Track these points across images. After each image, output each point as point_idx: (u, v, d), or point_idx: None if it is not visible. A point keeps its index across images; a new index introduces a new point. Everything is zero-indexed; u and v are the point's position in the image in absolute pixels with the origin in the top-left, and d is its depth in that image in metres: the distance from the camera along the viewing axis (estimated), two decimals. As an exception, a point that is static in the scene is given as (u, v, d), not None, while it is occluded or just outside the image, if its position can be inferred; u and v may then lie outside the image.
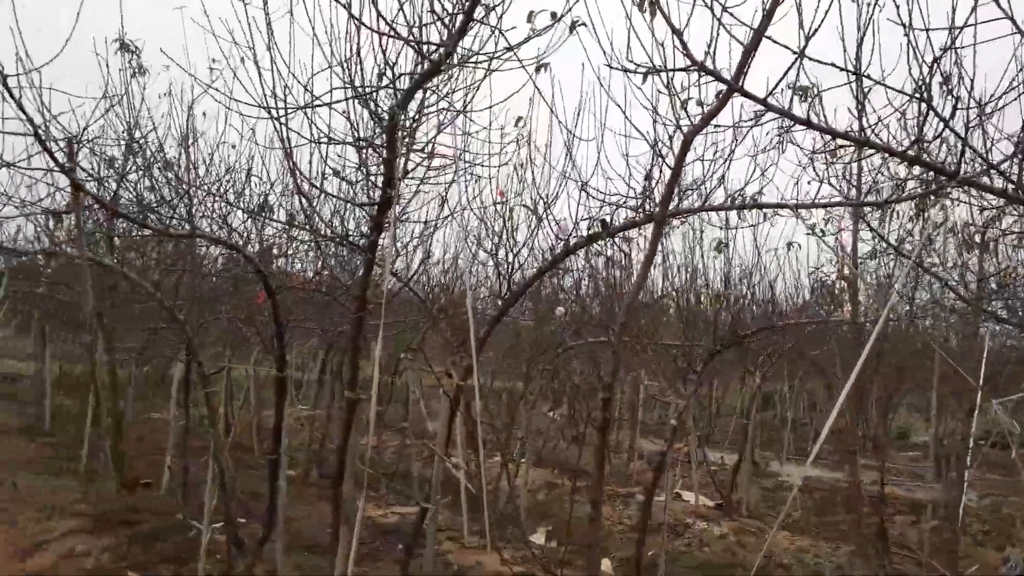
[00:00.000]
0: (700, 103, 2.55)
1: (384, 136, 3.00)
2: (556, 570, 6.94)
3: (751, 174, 3.53)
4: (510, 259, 4.37)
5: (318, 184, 3.54)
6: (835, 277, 5.01)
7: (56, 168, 2.91)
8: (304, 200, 3.64)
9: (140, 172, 3.58)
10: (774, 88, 2.41)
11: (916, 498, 12.58)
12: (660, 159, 2.93)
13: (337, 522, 4.33)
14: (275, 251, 5.07)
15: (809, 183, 4.28)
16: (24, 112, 2.73)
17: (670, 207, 2.82)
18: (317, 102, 2.87)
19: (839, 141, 2.57)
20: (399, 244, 4.03)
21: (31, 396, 14.38)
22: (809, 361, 12.63)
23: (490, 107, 2.88)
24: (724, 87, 2.64)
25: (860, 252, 4.84)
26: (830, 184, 3.98)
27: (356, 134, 3.12)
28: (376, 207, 3.57)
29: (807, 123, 2.45)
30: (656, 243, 2.82)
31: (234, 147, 4.38)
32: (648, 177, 2.97)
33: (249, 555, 5.74)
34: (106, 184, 3.45)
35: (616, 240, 4.23)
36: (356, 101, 3.02)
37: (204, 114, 4.87)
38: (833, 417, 2.55)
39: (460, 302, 5.76)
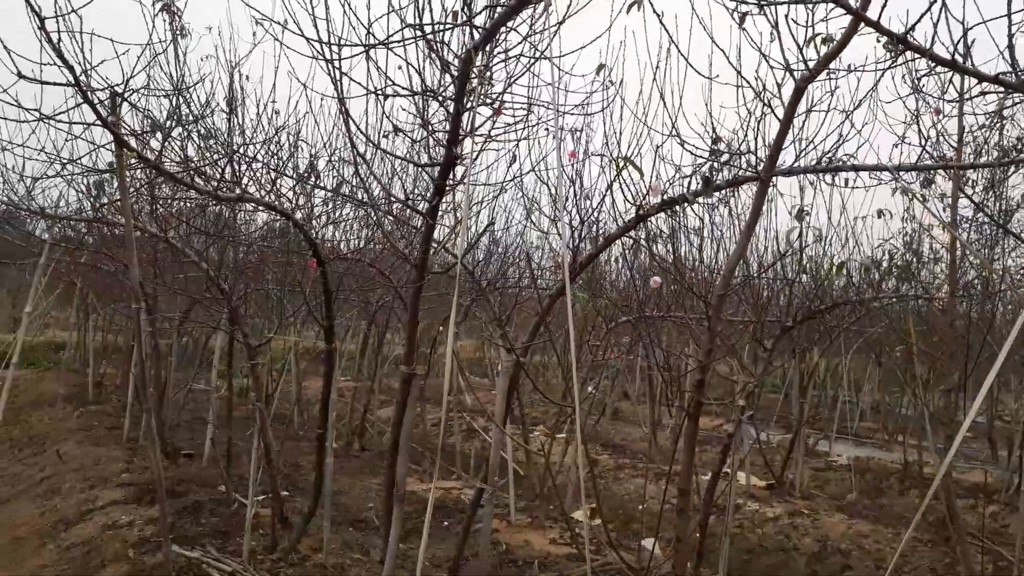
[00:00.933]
0: (828, 39, 2.22)
1: (455, 86, 2.72)
2: (606, 552, 6.71)
3: (847, 132, 3.20)
4: (577, 226, 4.08)
5: (374, 141, 3.27)
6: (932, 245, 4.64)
7: (98, 122, 2.68)
8: (359, 158, 3.37)
9: (186, 131, 3.35)
10: (916, 23, 2.08)
11: (972, 480, 12.12)
12: (769, 109, 2.61)
13: (390, 499, 4.11)
14: (324, 218, 4.84)
15: (896, 146, 3.91)
16: (63, 59, 2.49)
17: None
18: (377, 43, 2.58)
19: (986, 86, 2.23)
20: (459, 210, 3.75)
21: (74, 365, 14.49)
22: (859, 338, 12.21)
23: (581, 48, 2.56)
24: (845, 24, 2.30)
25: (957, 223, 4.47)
26: (925, 148, 3.63)
27: (422, 84, 2.84)
28: (439, 168, 3.28)
29: (952, 64, 2.11)
30: (760, 204, 2.51)
31: (277, 112, 4.12)
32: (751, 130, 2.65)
33: (295, 531, 5.57)
34: (148, 143, 3.24)
35: (695, 206, 3.90)
36: (421, 46, 2.73)
37: (248, 77, 4.64)
38: (974, 411, 2.24)
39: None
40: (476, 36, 2.49)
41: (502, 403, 4.19)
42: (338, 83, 2.92)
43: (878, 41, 2.12)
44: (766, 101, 2.59)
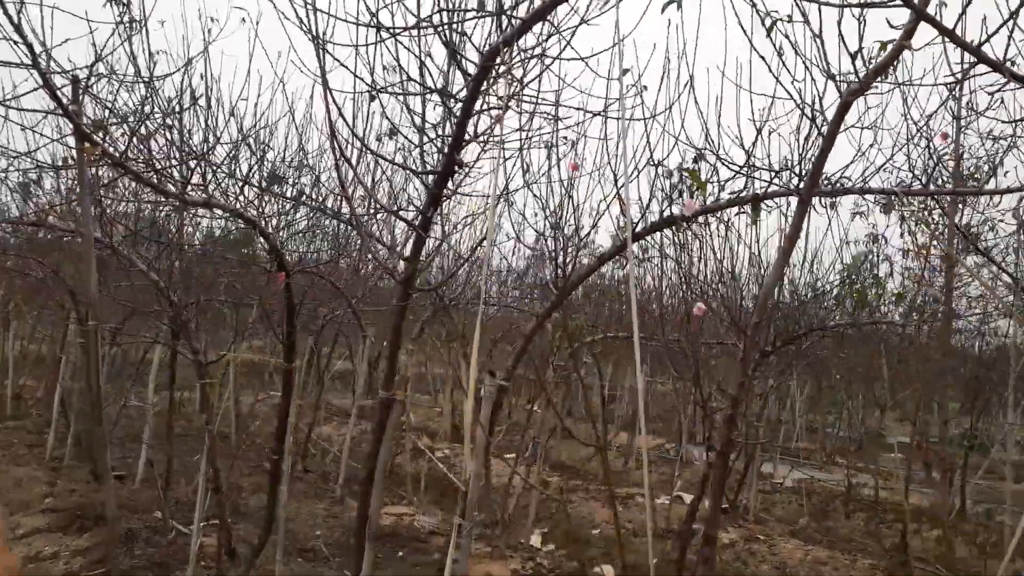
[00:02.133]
0: (883, 46, 2.04)
1: (468, 84, 2.45)
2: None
3: (855, 153, 3.05)
4: (568, 245, 3.85)
5: (364, 141, 2.98)
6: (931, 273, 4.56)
7: (58, 111, 2.32)
8: (343, 160, 3.07)
9: (152, 127, 2.98)
10: (993, 33, 1.92)
11: (911, 503, 12.28)
12: (811, 123, 2.42)
13: (361, 536, 3.78)
14: (285, 229, 4.49)
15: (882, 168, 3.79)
16: (22, 34, 2.13)
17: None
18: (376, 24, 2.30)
19: None
20: (450, 223, 3.47)
21: (-11, 377, 13.52)
22: (806, 360, 12.31)
23: (615, 45, 2.32)
24: (895, 36, 2.13)
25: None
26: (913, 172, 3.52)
27: (423, 81, 2.56)
28: (436, 176, 3.01)
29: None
30: (800, 224, 2.32)
31: (239, 105, 3.72)
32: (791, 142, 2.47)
33: (243, 564, 5.16)
34: (111, 137, 2.87)
35: (693, 225, 3.72)
36: (428, 39, 2.46)
37: (218, 78, 4.28)
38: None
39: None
40: (500, 29, 2.23)
41: (485, 430, 3.90)
42: (321, 61, 2.61)
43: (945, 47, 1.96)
44: (811, 116, 2.41)
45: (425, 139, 2.83)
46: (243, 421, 11.75)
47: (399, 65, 2.68)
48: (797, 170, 2.60)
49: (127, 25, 4.03)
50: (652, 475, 12.92)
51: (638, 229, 3.69)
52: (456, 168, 2.86)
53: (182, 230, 5.00)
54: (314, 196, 4.51)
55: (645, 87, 2.66)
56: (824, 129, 2.35)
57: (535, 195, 3.43)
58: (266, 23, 3.22)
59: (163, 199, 3.45)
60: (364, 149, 3.08)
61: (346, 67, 2.48)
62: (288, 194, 4.60)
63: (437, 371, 22.17)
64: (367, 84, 2.56)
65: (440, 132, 2.91)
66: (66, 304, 8.78)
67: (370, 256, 5.07)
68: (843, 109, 2.30)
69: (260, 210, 4.02)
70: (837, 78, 2.28)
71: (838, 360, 10.68)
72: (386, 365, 3.59)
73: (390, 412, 3.66)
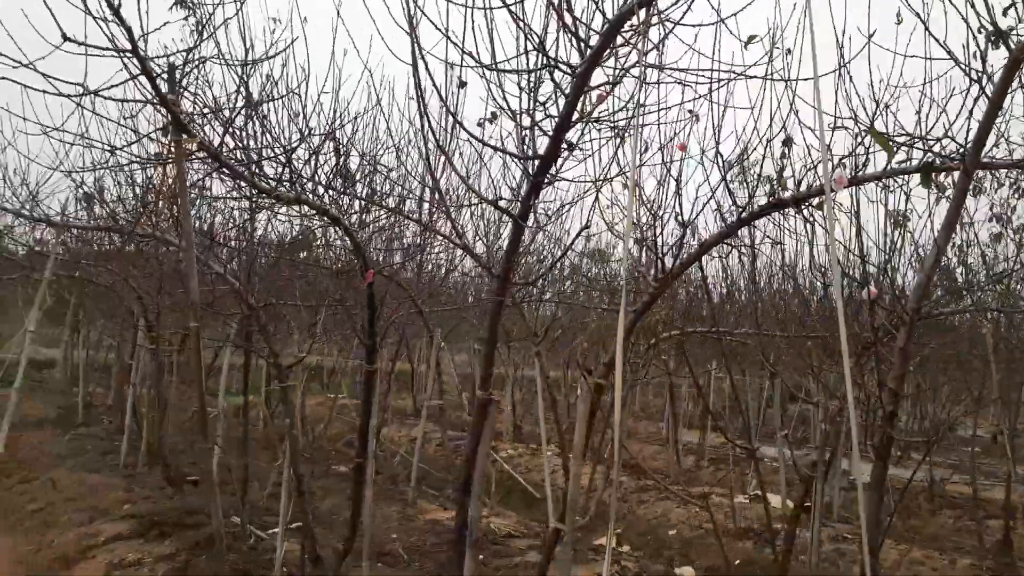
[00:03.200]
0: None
1: (583, 54, 2.25)
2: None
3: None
4: (671, 232, 3.62)
5: (461, 125, 2.80)
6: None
7: (155, 99, 2.19)
8: (436, 148, 2.90)
9: (248, 118, 2.84)
10: None
11: (996, 498, 11.71)
12: (978, 87, 2.16)
13: (461, 545, 3.61)
14: (369, 226, 4.35)
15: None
16: (120, 19, 2.00)
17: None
18: None
19: None
20: (544, 211, 3.28)
21: (60, 385, 13.81)
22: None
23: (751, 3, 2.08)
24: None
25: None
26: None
27: (541, 53, 2.36)
28: (538, 162, 2.82)
29: None
30: (963, 197, 2.08)
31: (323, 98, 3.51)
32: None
33: (329, 571, 5.04)
34: (207, 129, 2.75)
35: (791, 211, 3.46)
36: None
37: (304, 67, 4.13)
38: None
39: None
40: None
41: (582, 432, 3.70)
42: (414, 27, 2.43)
43: None
44: (976, 78, 2.15)
45: (529, 121, 2.63)
46: (308, 424, 11.76)
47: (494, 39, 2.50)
48: (953, 139, 2.34)
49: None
50: (723, 473, 12.58)
51: (743, 215, 3.46)
52: (565, 150, 2.66)
53: (253, 232, 4.90)
54: (401, 191, 4.36)
55: (789, 50, 2.43)
56: (989, 91, 2.09)
57: (625, 184, 3.21)
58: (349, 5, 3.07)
59: (254, 197, 3.32)
60: (449, 140, 2.90)
61: (451, 39, 2.30)
62: (365, 191, 4.45)
63: (496, 371, 22.10)
64: (474, 59, 2.38)
65: (546, 113, 2.71)
66: (135, 311, 8.82)
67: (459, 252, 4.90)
68: (1012, 67, 2.05)
69: (340, 207, 3.88)
70: (1010, 34, 2.02)
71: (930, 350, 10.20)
72: (482, 365, 3.41)
73: (487, 414, 3.49)
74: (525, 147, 2.91)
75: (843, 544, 7.99)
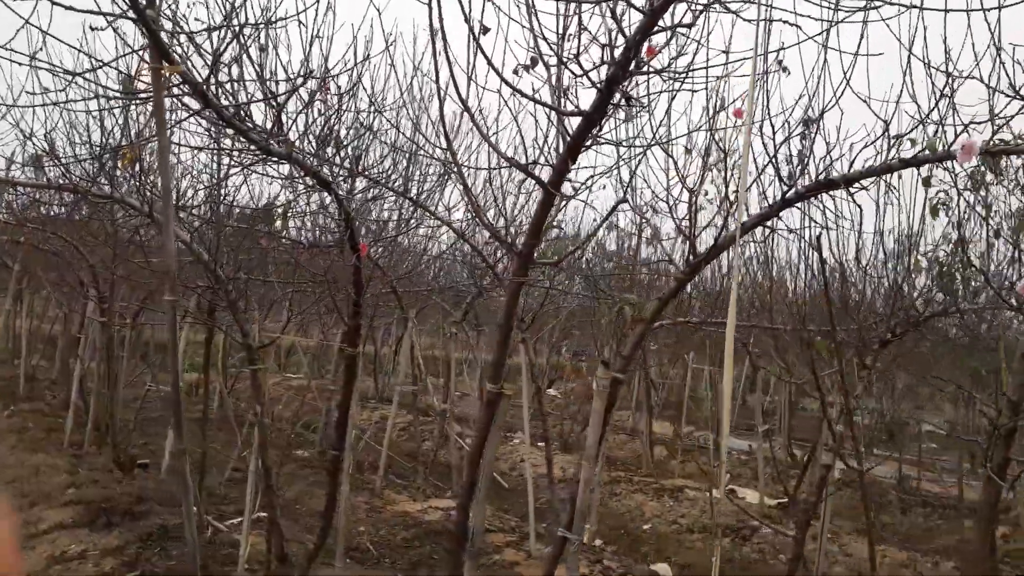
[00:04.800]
0: None
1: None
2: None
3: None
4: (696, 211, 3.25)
5: (498, 73, 2.38)
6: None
7: (130, 13, 1.73)
8: (457, 96, 2.47)
9: (240, 52, 2.37)
10: None
11: (962, 496, 11.70)
12: None
13: (459, 551, 3.21)
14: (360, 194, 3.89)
15: None
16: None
17: None
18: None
19: None
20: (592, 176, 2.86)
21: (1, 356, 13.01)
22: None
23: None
24: None
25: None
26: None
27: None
28: (581, 120, 2.41)
29: None
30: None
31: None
32: None
33: (297, 570, 4.61)
34: (191, 63, 2.26)
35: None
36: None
37: None
38: None
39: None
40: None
41: (596, 431, 3.32)
42: None
43: None
44: None
45: (567, 75, 2.22)
46: (268, 406, 11.22)
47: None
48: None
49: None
50: (691, 465, 12.39)
51: (790, 195, 3.11)
52: (621, 105, 2.26)
53: (222, 196, 4.39)
54: (405, 151, 3.90)
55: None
56: None
57: (688, 148, 2.83)
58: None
59: (237, 150, 2.85)
60: (467, 93, 2.47)
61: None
62: (361, 154, 3.97)
63: (457, 355, 21.64)
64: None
65: (592, 62, 2.30)
66: (85, 280, 8.20)
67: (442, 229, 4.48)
68: None
69: (332, 171, 3.42)
70: None
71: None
72: (495, 354, 3.00)
73: (496, 410, 3.09)
74: (561, 101, 2.51)
75: (827, 544, 7.77)
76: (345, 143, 3.61)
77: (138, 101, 2.65)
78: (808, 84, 2.91)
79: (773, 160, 3.05)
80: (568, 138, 2.48)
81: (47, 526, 5.94)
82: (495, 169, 2.66)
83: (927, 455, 14.74)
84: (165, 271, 2.30)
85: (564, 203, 3.01)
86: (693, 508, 9.07)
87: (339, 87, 2.93)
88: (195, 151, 3.09)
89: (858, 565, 7.28)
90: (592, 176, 2.76)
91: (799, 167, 3.14)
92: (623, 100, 2.22)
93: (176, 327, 2.45)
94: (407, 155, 4.05)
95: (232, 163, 3.12)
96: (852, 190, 3.11)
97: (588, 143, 2.51)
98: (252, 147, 2.57)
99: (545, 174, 2.70)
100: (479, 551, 3.18)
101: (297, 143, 3.13)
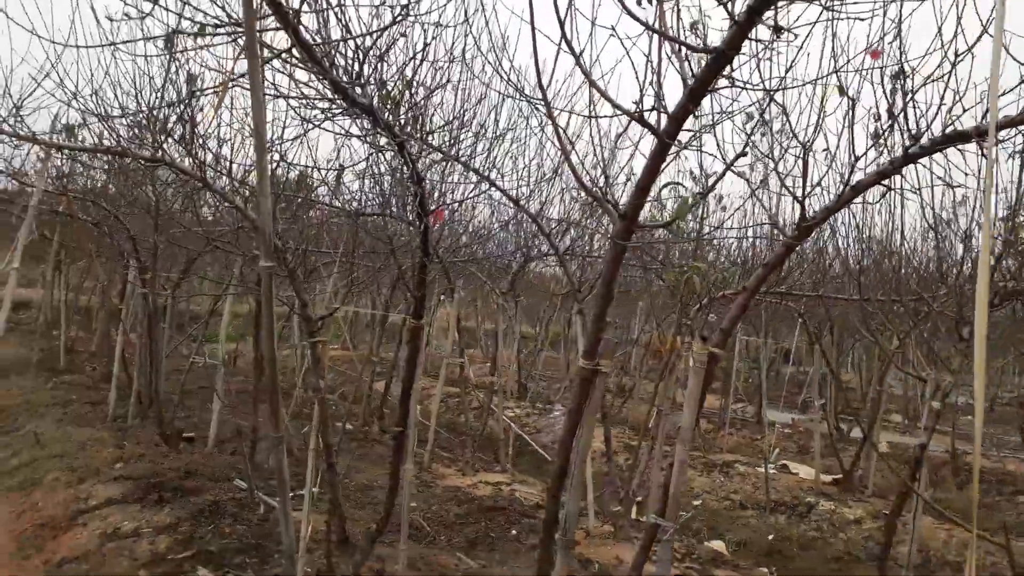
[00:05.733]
0: None
1: None
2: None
3: None
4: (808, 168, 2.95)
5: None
6: None
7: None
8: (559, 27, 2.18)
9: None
10: None
11: (1015, 471, 11.34)
12: None
13: (549, 541, 2.98)
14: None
15: None
16: None
17: None
18: None
19: None
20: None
21: (40, 327, 12.97)
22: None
23: None
24: None
25: None
26: None
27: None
28: (711, 56, 2.13)
29: None
30: None
31: None
32: None
33: (359, 553, 4.43)
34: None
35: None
36: None
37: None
38: None
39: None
40: None
41: (693, 411, 3.06)
42: None
43: None
44: None
45: None
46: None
47: None
48: None
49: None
50: (733, 438, 12.12)
51: (913, 149, 2.80)
52: (758, 38, 1.96)
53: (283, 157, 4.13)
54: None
55: None
56: None
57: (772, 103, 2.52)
58: None
59: (323, 100, 2.58)
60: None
61: None
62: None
63: (488, 326, 21.40)
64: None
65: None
66: (126, 250, 8.04)
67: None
68: None
69: (404, 129, 3.15)
70: None
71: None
72: (591, 328, 2.73)
73: (591, 389, 2.83)
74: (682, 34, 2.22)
75: (884, 522, 7.48)
76: (418, 99, 3.32)
77: (213, 39, 2.37)
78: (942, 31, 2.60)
79: (904, 110, 2.74)
80: (692, 79, 2.19)
81: (97, 502, 5.82)
82: (599, 118, 2.37)
83: (963, 427, 14.28)
84: (259, 231, 2.06)
85: (675, 156, 2.71)
86: (744, 483, 8.83)
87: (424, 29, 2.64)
88: (275, 99, 2.82)
89: (923, 546, 6.98)
90: (712, 122, 2.47)
91: (923, 120, 2.83)
92: (774, 31, 1.93)
93: (272, 295, 2.21)
94: (473, 115, 3.78)
95: (305, 118, 2.85)
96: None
97: (712, 88, 2.23)
98: (335, 97, 2.30)
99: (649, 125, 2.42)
100: (572, 541, 2.95)
101: (376, 99, 2.86)
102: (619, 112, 2.33)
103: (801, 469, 9.39)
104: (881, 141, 2.97)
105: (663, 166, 2.43)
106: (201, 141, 3.76)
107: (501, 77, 2.82)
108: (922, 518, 7.78)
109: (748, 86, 2.27)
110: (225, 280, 7.57)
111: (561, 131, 2.55)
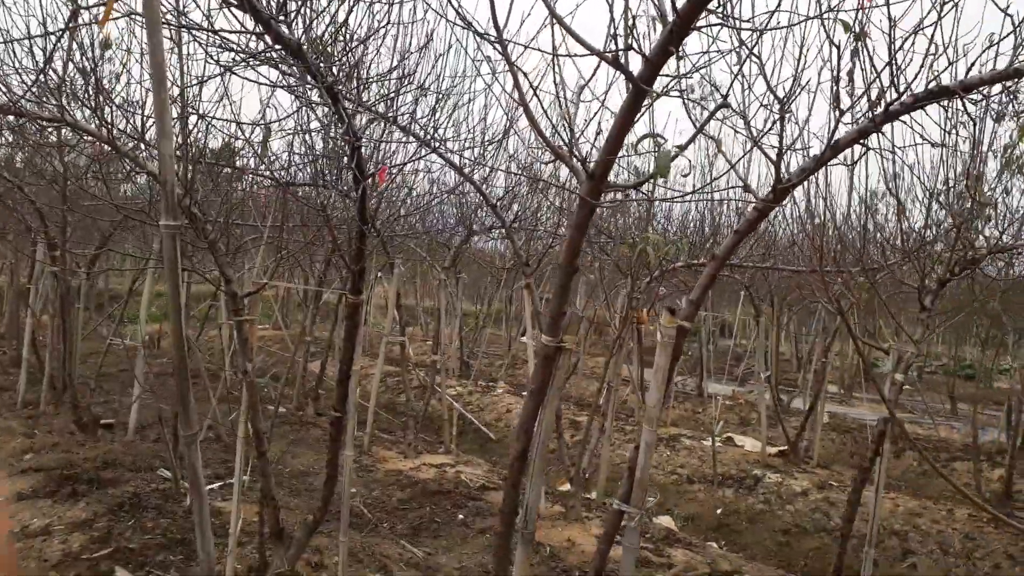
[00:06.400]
0: None
1: None
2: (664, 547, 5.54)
3: None
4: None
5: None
6: None
7: None
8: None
9: None
10: None
11: (947, 437, 11.61)
12: None
13: (508, 533, 2.71)
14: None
15: None
16: None
17: None
18: None
19: None
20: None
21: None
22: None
23: None
24: None
25: None
26: None
27: None
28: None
29: None
30: None
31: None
32: None
33: (294, 546, 4.10)
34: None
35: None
36: None
37: None
38: None
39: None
40: None
41: (660, 389, 2.83)
42: None
43: None
44: None
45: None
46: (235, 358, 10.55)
47: None
48: None
49: None
50: (676, 411, 12.11)
51: (894, 106, 2.60)
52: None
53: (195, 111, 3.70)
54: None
55: None
56: None
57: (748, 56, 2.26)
58: None
59: (247, 31, 2.20)
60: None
61: None
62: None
63: (428, 303, 21.01)
64: None
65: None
66: (33, 226, 7.42)
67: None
68: None
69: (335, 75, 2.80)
70: None
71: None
72: (553, 302, 2.46)
73: (553, 367, 2.56)
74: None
75: (830, 492, 7.50)
76: (352, 46, 2.95)
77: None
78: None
79: (889, 64, 2.52)
80: (674, 17, 1.91)
81: (4, 498, 5.33)
82: (568, 56, 2.07)
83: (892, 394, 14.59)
84: (160, 182, 1.70)
85: (649, 105, 2.44)
86: (691, 457, 8.75)
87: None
88: (176, 44, 2.43)
89: (867, 513, 6.98)
90: (692, 69, 2.20)
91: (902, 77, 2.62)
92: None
93: (177, 262, 1.84)
94: (416, 67, 3.43)
95: (223, 63, 2.46)
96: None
97: (698, 24, 1.95)
98: (257, 30, 1.94)
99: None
100: (532, 533, 2.68)
101: (305, 42, 2.50)
102: (590, 52, 2.04)
103: (746, 441, 9.38)
104: (866, 97, 2.76)
105: (637, 117, 2.16)
106: (107, 96, 3.33)
107: (440, 14, 2.48)
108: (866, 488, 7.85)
109: (740, 24, 2.00)
110: (145, 256, 7.05)
111: (519, 72, 2.24)
